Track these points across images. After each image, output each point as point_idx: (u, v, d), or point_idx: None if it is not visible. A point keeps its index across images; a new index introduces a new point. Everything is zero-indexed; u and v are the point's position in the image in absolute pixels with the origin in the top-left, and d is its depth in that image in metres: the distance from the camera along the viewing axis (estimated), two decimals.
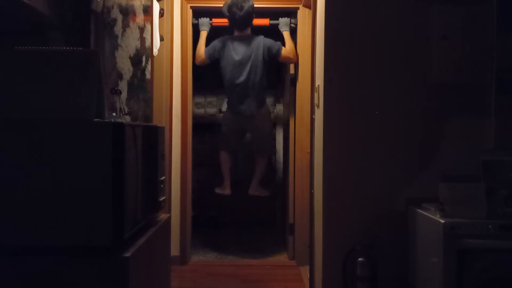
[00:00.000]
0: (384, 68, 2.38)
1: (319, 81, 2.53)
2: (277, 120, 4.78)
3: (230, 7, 3.64)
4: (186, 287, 3.27)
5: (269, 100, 4.71)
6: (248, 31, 3.81)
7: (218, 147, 4.14)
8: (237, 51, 3.76)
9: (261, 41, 3.75)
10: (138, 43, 2.45)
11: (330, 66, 2.39)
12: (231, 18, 3.68)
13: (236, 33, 3.82)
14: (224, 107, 4.60)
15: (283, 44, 3.78)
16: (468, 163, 2.27)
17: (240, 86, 3.75)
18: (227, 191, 3.97)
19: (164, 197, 1.97)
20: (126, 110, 2.19)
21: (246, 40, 3.77)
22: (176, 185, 3.65)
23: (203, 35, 3.85)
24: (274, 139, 4.45)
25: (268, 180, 4.43)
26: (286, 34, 3.82)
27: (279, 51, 3.74)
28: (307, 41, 3.40)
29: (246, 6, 3.61)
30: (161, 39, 3.06)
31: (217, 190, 4.02)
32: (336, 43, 2.39)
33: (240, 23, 3.72)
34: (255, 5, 3.64)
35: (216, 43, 3.85)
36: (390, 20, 2.38)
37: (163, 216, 1.99)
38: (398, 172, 2.37)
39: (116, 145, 1.38)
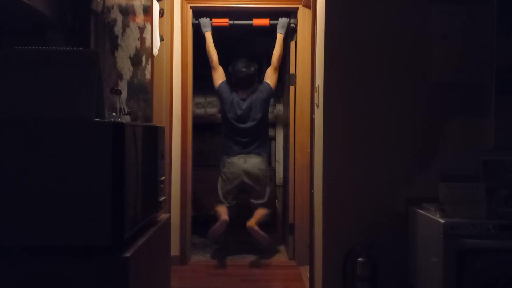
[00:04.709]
0: (384, 68, 2.38)
1: (319, 81, 2.53)
2: (277, 120, 4.79)
3: (235, 65, 3.87)
4: (186, 287, 3.27)
5: None
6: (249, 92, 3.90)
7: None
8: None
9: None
10: (138, 43, 2.45)
11: (330, 66, 2.39)
12: (235, 75, 3.88)
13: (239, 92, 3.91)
14: None
15: (274, 45, 3.84)
16: (468, 163, 2.27)
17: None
18: (224, 217, 3.65)
19: (164, 197, 1.97)
20: (126, 110, 2.19)
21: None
22: (176, 185, 3.65)
23: (209, 36, 3.85)
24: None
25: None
26: (280, 37, 3.84)
27: (269, 89, 3.85)
28: (307, 41, 3.41)
29: (251, 66, 3.87)
30: (161, 39, 3.06)
31: (210, 233, 3.68)
32: (336, 43, 2.39)
33: (242, 82, 3.87)
34: (255, 5, 3.66)
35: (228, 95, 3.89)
36: (390, 20, 2.38)
37: (163, 216, 1.99)
38: (398, 172, 2.37)
39: (116, 145, 1.38)
